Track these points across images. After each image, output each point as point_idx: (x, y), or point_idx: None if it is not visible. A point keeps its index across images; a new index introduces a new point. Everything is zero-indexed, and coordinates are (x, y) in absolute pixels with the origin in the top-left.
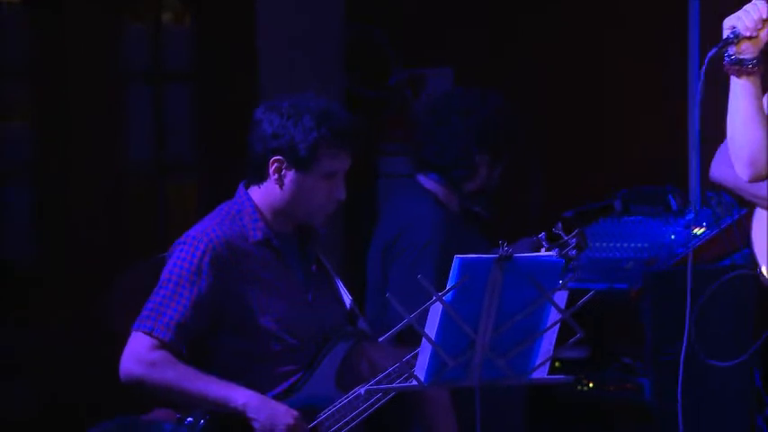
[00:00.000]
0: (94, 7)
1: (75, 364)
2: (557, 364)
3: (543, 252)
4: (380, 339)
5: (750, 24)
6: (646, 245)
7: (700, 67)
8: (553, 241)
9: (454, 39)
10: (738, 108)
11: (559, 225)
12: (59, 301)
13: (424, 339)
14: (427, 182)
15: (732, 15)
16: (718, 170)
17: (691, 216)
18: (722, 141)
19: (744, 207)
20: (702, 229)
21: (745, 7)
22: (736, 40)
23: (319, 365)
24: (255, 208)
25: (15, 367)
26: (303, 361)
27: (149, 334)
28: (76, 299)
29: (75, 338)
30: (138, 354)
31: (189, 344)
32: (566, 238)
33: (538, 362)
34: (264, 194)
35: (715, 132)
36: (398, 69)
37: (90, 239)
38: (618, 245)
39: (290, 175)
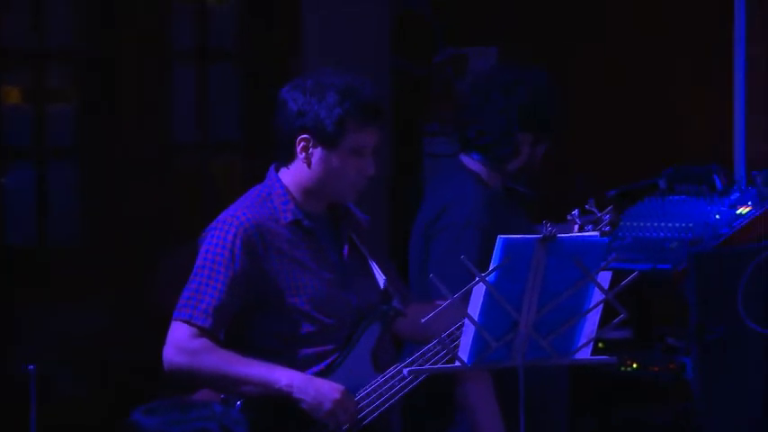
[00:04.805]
0: None
1: (122, 345)
2: (600, 344)
3: (576, 229)
4: (423, 320)
5: None
6: (690, 224)
7: (745, 44)
8: (586, 217)
9: (499, 17)
10: None
11: (592, 201)
12: (106, 282)
13: (466, 320)
14: (470, 162)
15: None
16: None
17: (736, 195)
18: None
19: None
20: (747, 209)
21: None
22: None
23: (354, 346)
24: (285, 189)
25: (62, 349)
26: (338, 341)
27: (188, 322)
28: (123, 280)
29: (121, 319)
30: (179, 343)
31: (225, 328)
32: (599, 214)
33: (581, 342)
34: (293, 175)
35: (760, 112)
36: (444, 47)
37: (136, 220)
38: (662, 224)
39: (317, 153)
